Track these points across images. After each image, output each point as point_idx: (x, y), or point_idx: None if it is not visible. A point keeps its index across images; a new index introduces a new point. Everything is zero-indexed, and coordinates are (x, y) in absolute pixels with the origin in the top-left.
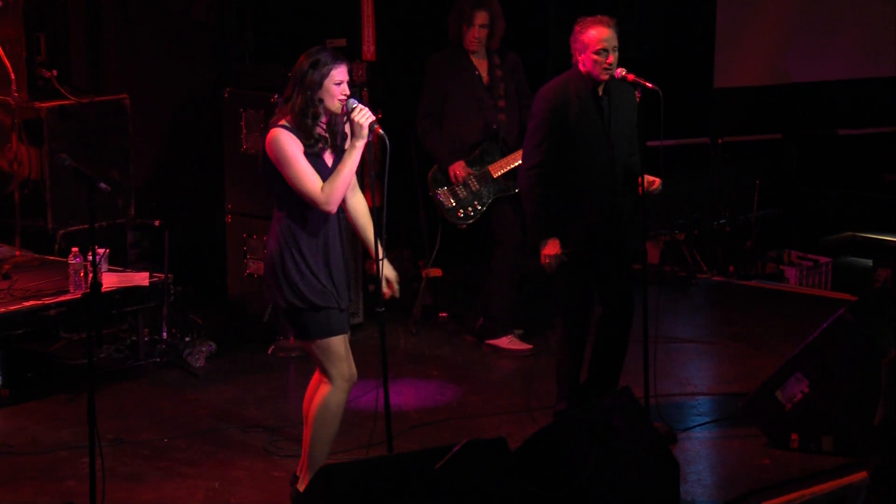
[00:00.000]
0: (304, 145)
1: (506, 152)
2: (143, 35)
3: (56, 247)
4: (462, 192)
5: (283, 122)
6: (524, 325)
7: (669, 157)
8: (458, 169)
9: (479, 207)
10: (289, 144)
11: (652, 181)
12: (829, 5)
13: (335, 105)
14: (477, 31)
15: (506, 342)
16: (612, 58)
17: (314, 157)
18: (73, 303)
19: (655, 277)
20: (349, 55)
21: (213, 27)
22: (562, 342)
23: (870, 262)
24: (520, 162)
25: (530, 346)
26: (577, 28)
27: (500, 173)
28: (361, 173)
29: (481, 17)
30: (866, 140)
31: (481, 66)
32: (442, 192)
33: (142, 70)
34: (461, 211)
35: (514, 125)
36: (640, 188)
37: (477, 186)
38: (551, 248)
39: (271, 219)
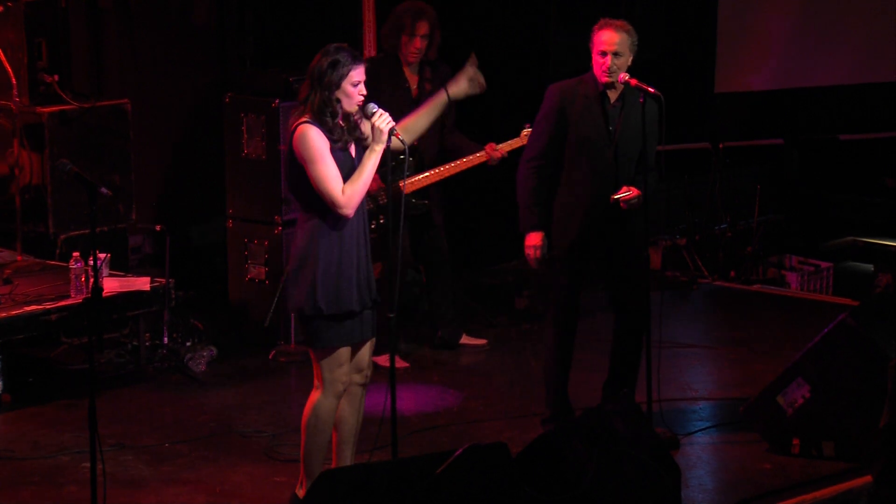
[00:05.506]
0: (330, 141)
1: (421, 168)
2: (144, 40)
3: (57, 251)
4: (368, 204)
5: (305, 118)
6: (523, 336)
7: (670, 161)
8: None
9: (383, 222)
10: (317, 142)
11: (628, 189)
12: (830, 10)
13: (352, 106)
14: (419, 41)
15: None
16: (610, 61)
17: (340, 151)
18: (75, 308)
19: (657, 282)
20: None
21: (213, 32)
22: (548, 348)
23: (871, 267)
24: (431, 178)
25: (407, 365)
26: (594, 28)
27: (410, 190)
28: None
29: (423, 28)
30: (867, 145)
31: (413, 79)
32: None
33: (143, 75)
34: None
35: (434, 142)
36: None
37: (384, 201)
38: (532, 240)
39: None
